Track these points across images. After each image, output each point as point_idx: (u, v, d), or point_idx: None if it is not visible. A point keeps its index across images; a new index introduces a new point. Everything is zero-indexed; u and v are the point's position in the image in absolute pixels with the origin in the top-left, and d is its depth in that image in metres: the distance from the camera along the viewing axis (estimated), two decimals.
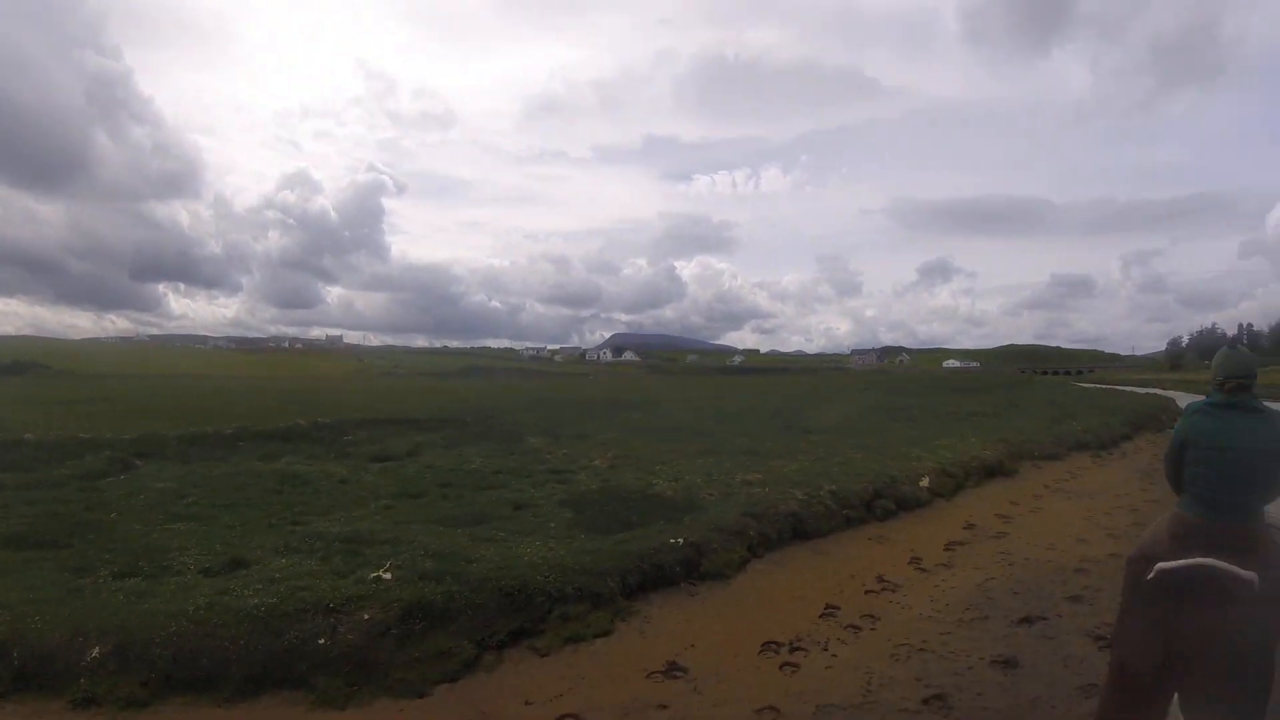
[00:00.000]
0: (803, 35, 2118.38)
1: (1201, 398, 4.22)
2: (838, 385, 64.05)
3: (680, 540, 8.81)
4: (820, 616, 7.67)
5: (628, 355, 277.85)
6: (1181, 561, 3.76)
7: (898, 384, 64.95)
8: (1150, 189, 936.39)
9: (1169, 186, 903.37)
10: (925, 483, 13.88)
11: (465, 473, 13.61)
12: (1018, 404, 35.12)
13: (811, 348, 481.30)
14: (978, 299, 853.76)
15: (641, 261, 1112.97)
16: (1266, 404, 4.00)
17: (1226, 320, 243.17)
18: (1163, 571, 3.79)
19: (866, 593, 8.51)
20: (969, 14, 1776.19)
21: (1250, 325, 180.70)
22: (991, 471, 16.25)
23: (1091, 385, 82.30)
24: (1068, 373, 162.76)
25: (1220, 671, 3.55)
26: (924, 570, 9.51)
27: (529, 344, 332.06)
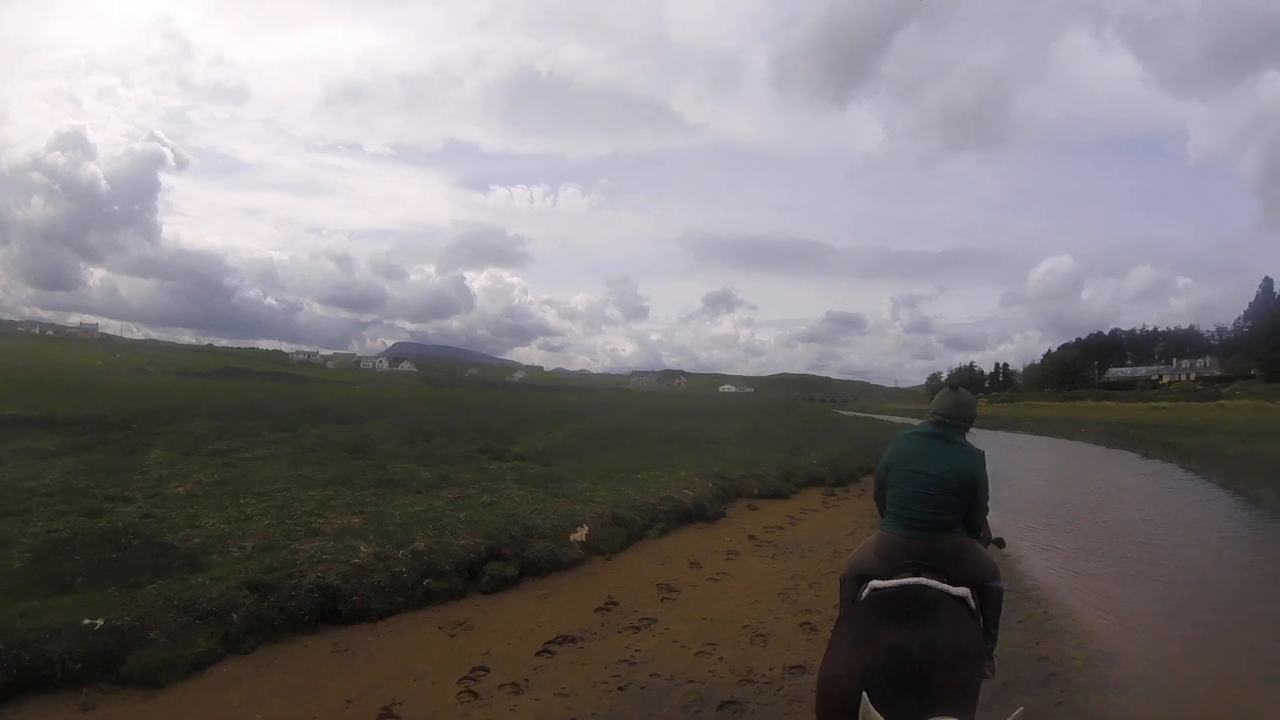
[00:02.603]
0: (614, 58, 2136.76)
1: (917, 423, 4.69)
2: (592, 404, 60.66)
3: (100, 622, 6.13)
4: None
5: (405, 365, 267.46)
6: (894, 581, 4.01)
7: (660, 405, 62.65)
8: (924, 240, 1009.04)
9: (942, 239, 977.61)
10: (580, 535, 10.34)
11: None
12: (766, 430, 32.84)
13: (597, 367, 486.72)
14: (757, 330, 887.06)
15: (430, 268, 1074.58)
16: (969, 441, 4.45)
17: (984, 359, 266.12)
18: (875, 590, 4.02)
19: None
20: (780, 59, 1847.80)
21: (1006, 365, 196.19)
22: (688, 516, 13.04)
23: (851, 414, 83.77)
24: (832, 400, 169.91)
25: (927, 689, 3.20)
26: (473, 699, 6.05)
27: (303, 347, 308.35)
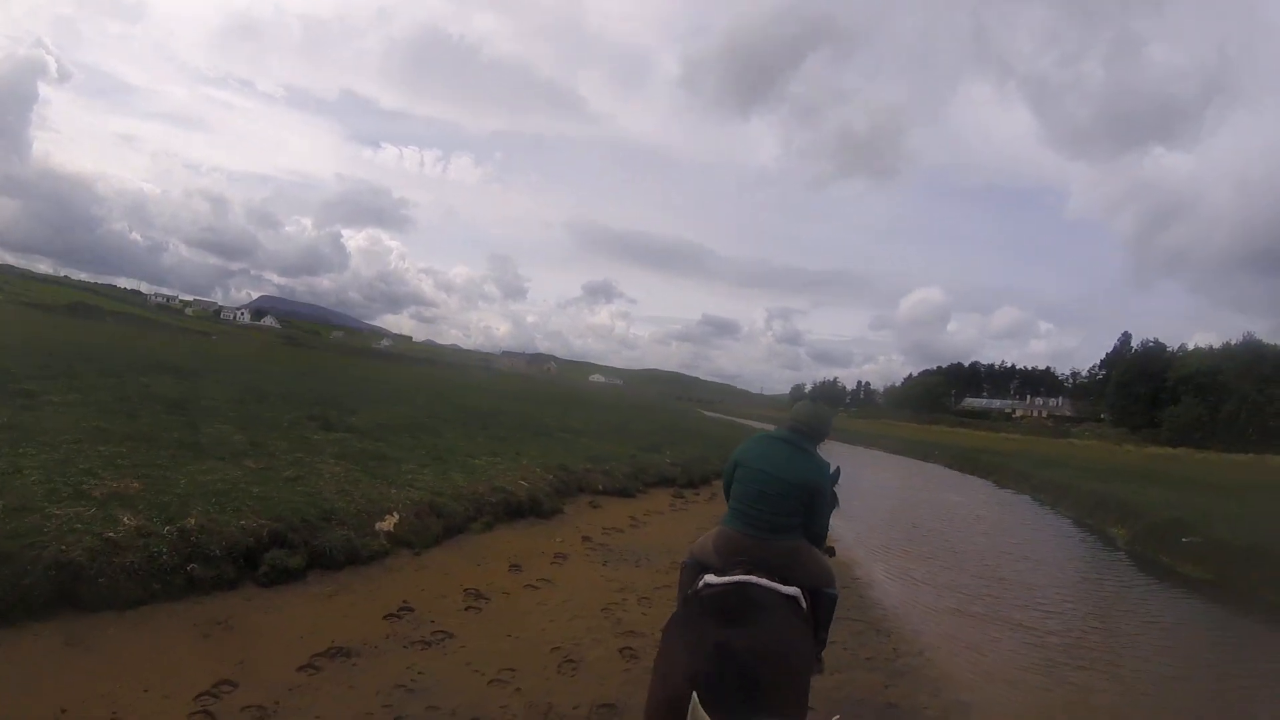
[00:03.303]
0: (526, 34, 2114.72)
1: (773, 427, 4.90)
2: (453, 381, 58.79)
3: None
4: None
5: (268, 321, 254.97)
6: (727, 578, 4.09)
7: (524, 389, 61.22)
8: (805, 258, 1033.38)
9: (822, 259, 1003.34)
10: (389, 524, 9.12)
11: None
12: (626, 424, 31.96)
13: (469, 343, 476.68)
14: (634, 324, 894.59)
15: (308, 221, 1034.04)
16: (819, 453, 4.64)
17: (848, 376, 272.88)
18: (708, 586, 4.10)
19: None
20: (691, 61, 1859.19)
21: (869, 383, 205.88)
22: (519, 510, 11.94)
23: (715, 415, 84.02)
24: (698, 401, 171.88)
25: (754, 687, 3.26)
26: None
27: (163, 290, 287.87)
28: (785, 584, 4.11)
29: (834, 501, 5.27)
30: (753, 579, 4.04)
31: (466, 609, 7.66)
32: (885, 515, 19.48)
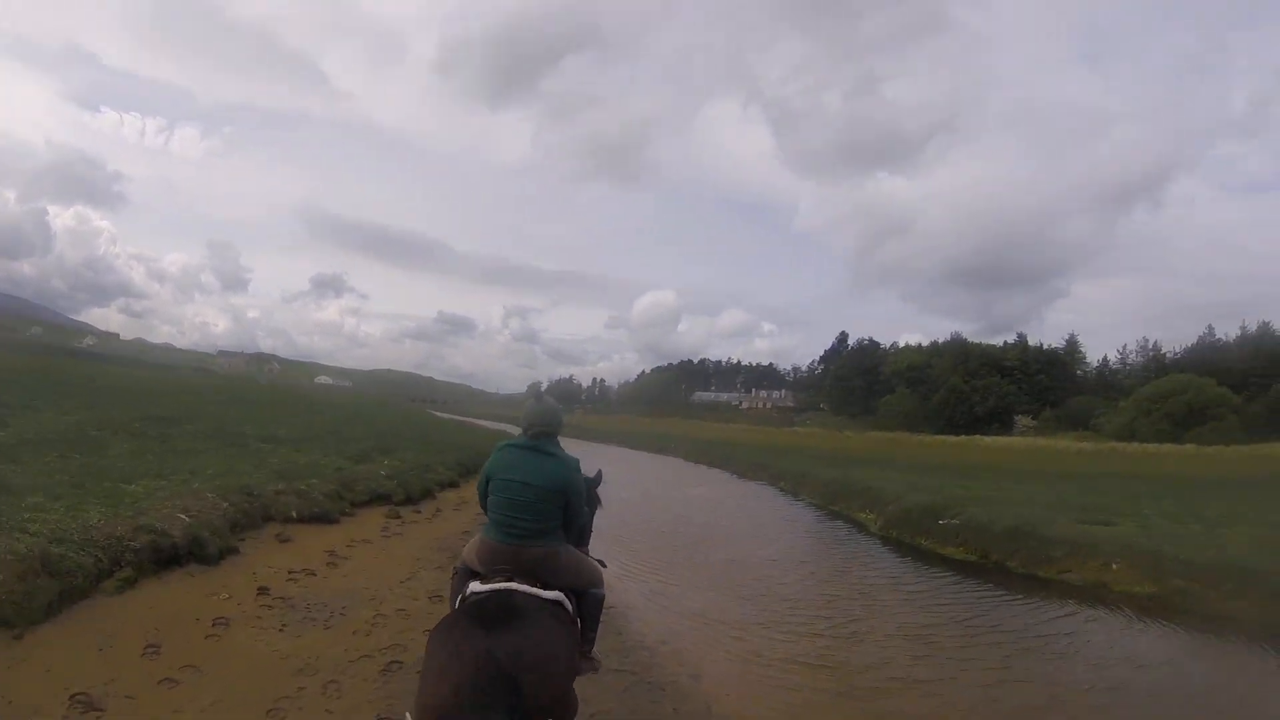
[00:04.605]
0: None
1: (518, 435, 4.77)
2: (146, 384, 51.78)
3: None
4: None
5: None
6: (488, 586, 4.15)
7: (232, 392, 55.26)
8: (544, 256, 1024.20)
9: (561, 258, 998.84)
10: None
11: None
12: (341, 429, 28.36)
13: (183, 341, 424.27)
14: (365, 320, 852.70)
15: (10, 195, 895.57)
16: (561, 448, 4.65)
17: (583, 374, 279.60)
18: (472, 594, 4.16)
19: None
20: (449, 45, 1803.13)
21: (603, 380, 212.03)
22: (175, 556, 8.86)
23: (446, 416, 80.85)
24: (429, 402, 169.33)
25: (518, 692, 3.44)
26: None
27: None
28: (546, 589, 4.20)
29: (596, 501, 5.69)
30: (513, 585, 4.12)
31: None
32: (632, 521, 17.62)
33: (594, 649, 4.81)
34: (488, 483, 4.58)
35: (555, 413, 4.71)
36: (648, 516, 19.19)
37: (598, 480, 5.56)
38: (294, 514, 12.07)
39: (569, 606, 4.32)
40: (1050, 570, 13.49)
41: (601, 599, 4.74)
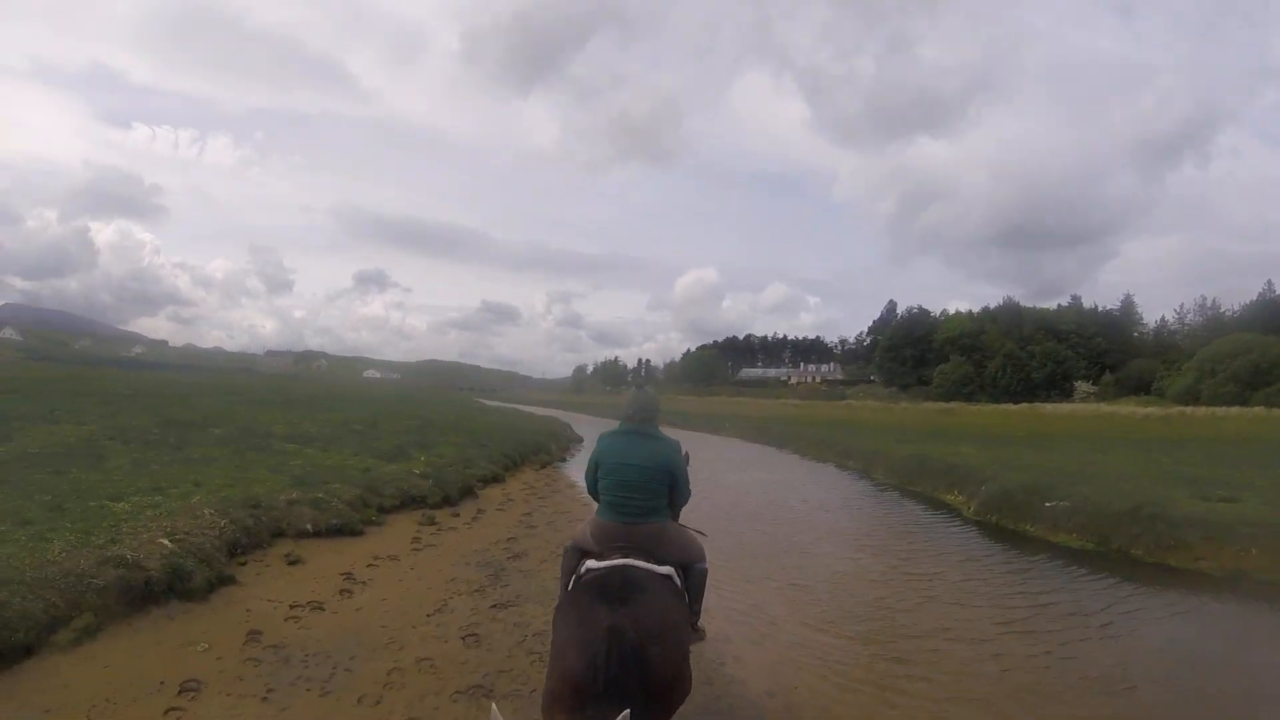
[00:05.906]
0: (290, 1, 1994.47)
1: (615, 424, 5.01)
2: (183, 388, 50.90)
3: None
4: None
5: (7, 333, 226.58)
6: (605, 563, 4.27)
7: (272, 391, 54.26)
8: (583, 241, 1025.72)
9: (600, 241, 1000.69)
10: None
11: None
12: (379, 423, 26.77)
13: (233, 345, 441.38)
14: (409, 314, 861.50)
15: (52, 215, 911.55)
16: (662, 432, 4.97)
17: (628, 355, 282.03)
18: (590, 571, 4.27)
19: None
20: (472, 36, 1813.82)
21: (649, 360, 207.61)
22: (150, 593, 7.15)
23: (494, 404, 79.57)
24: (474, 390, 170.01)
25: (645, 662, 3.52)
26: None
27: None
28: (659, 564, 4.34)
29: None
30: (629, 561, 4.24)
31: None
32: (707, 512, 15.51)
33: (699, 620, 4.98)
34: (597, 468, 4.83)
35: (654, 401, 5.04)
36: (728, 505, 16.89)
37: (685, 460, 5.38)
38: (309, 527, 10.34)
39: (677, 580, 4.45)
40: (1184, 558, 11.38)
41: (705, 573, 4.88)
